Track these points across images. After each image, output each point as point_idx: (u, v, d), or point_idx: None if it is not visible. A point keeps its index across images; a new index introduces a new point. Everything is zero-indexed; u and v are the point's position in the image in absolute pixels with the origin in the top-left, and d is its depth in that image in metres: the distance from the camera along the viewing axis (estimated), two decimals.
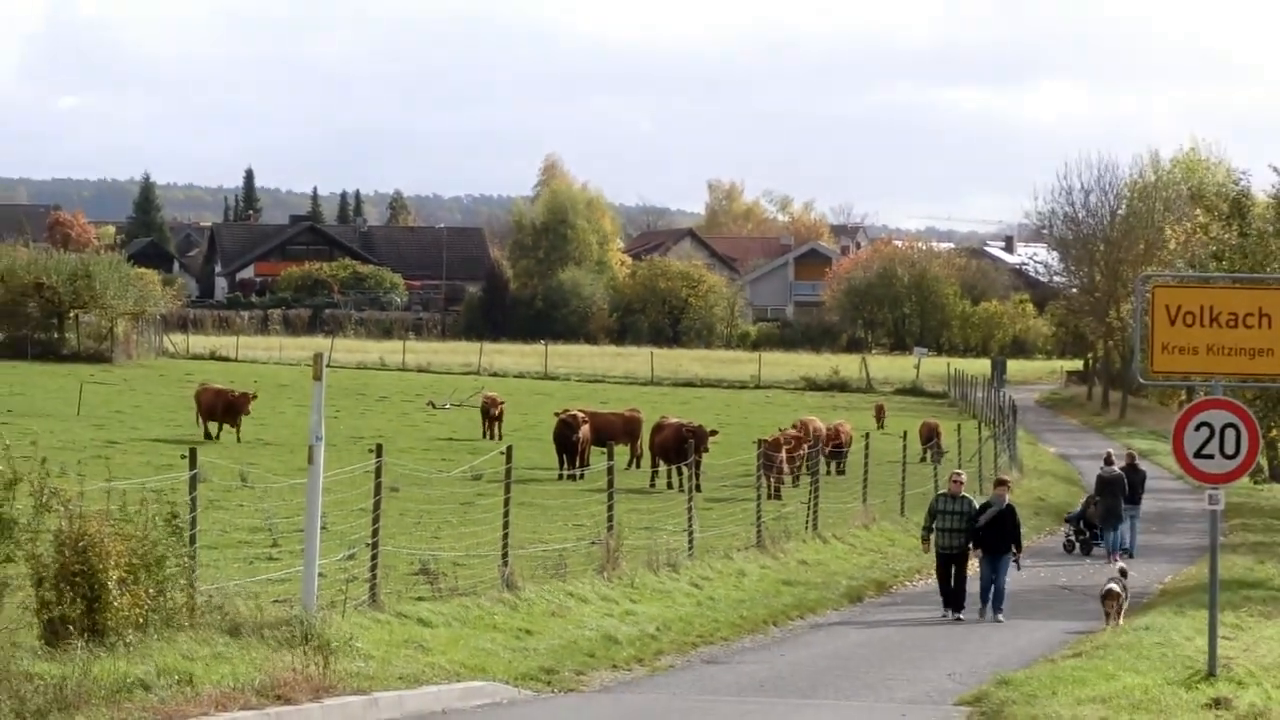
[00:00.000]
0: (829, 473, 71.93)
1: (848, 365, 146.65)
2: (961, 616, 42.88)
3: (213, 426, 76.45)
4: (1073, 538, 63.49)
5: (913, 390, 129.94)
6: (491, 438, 77.56)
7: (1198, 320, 32.23)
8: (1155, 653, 31.90)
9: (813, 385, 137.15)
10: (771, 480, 62.65)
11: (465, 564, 39.38)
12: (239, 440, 71.76)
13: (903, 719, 29.41)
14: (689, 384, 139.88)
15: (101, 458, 28.43)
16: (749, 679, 34.04)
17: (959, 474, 50.82)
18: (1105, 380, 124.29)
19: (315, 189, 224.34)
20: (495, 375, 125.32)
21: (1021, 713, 26.91)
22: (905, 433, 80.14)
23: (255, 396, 79.23)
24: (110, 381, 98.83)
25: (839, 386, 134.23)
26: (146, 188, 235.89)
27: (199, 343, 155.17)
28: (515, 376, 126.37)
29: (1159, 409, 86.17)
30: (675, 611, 40.96)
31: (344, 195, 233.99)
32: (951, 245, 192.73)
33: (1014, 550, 43.79)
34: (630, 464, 73.77)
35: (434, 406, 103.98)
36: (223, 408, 75.58)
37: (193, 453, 30.24)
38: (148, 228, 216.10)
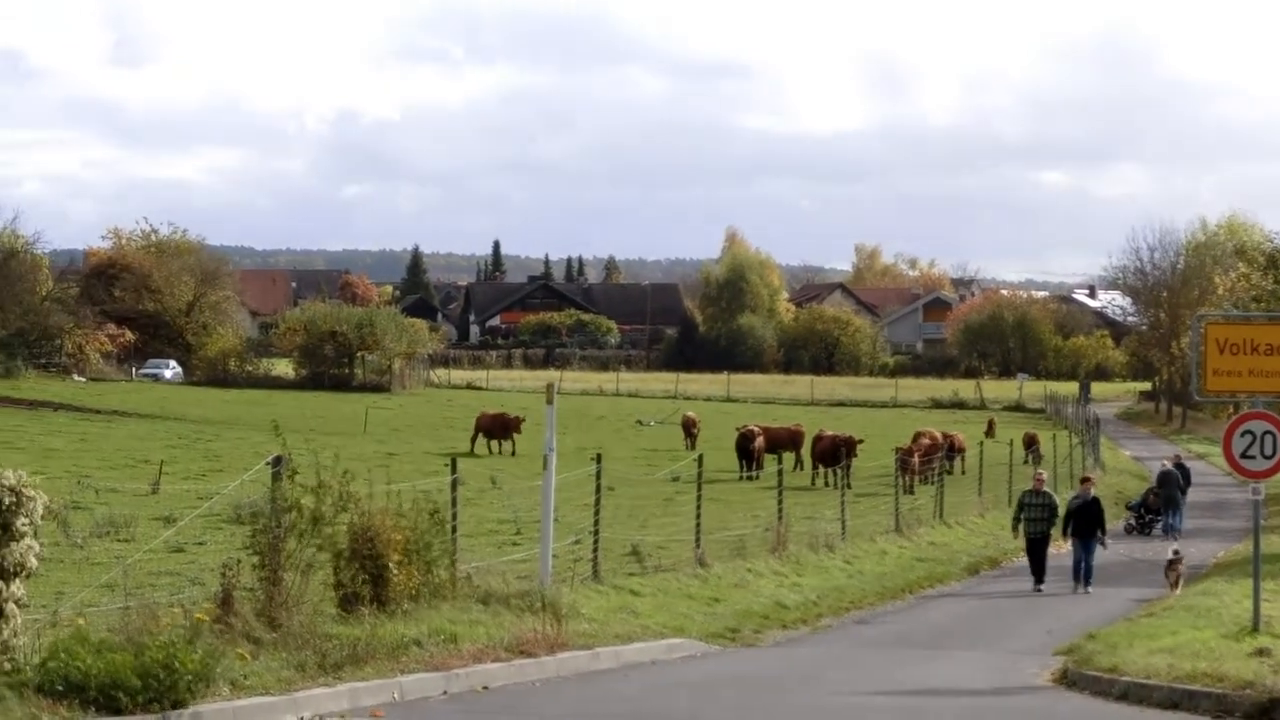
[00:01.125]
0: (950, 472, 71.66)
1: (965, 388, 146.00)
2: (1042, 588, 43.10)
3: (487, 444, 76.40)
4: (1132, 521, 63.45)
5: (1017, 407, 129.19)
6: (690, 449, 75.26)
7: (1241, 350, 32.53)
8: (1210, 613, 31.99)
9: (937, 404, 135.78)
10: (906, 479, 63.07)
11: (666, 547, 39.81)
12: (514, 454, 72.46)
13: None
14: (840, 404, 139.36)
15: (383, 466, 28.79)
16: (890, 635, 34.50)
17: (1040, 474, 51.10)
18: (1169, 398, 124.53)
19: (547, 255, 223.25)
20: (688, 399, 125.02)
21: (1105, 660, 27.01)
22: (1011, 440, 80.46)
23: (523, 419, 78.36)
24: (388, 407, 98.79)
25: (958, 405, 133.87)
26: (416, 256, 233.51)
27: (458, 376, 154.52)
28: (704, 400, 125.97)
29: (1212, 420, 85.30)
30: (831, 582, 41.39)
31: (569, 260, 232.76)
32: (1045, 293, 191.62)
33: (1100, 534, 44.00)
34: (795, 467, 73.32)
35: (641, 424, 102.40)
36: (500, 428, 76.47)
37: (454, 461, 30.88)
38: (416, 287, 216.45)
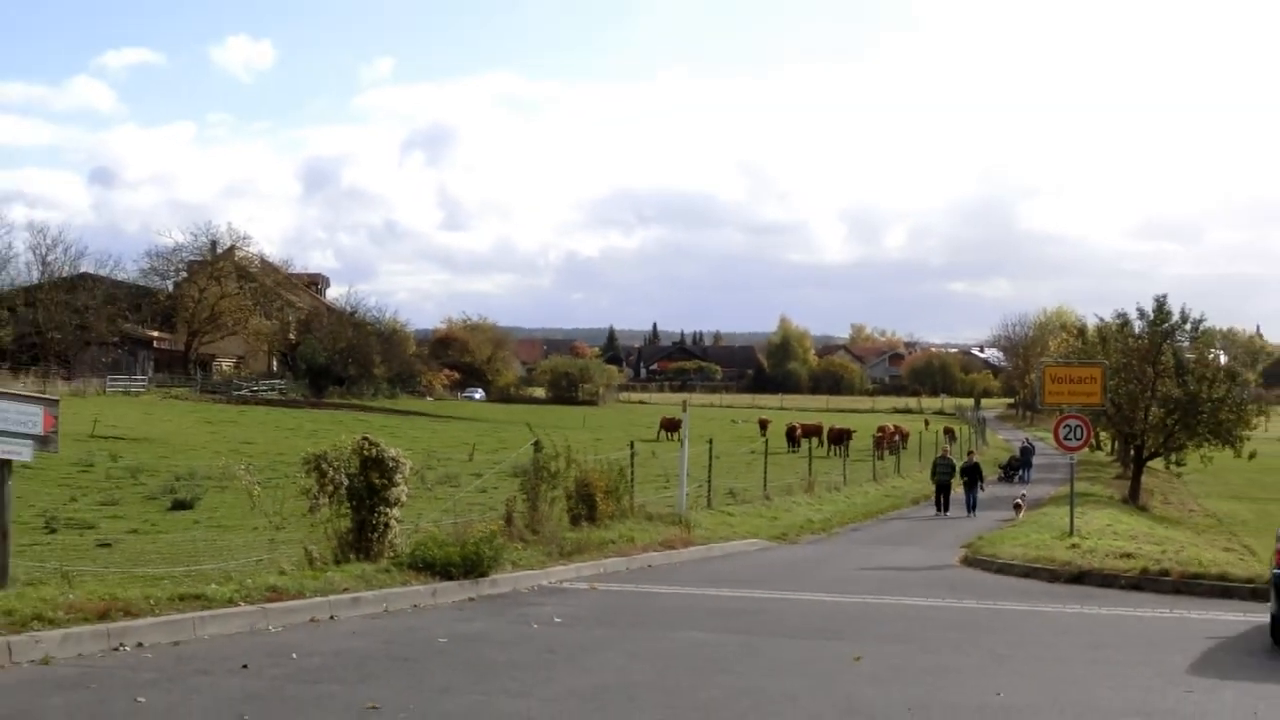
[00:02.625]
0: (904, 448, 68.56)
1: (911, 403, 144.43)
2: (946, 515, 42.28)
3: (666, 435, 72.72)
4: (1002, 475, 62.57)
5: (940, 413, 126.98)
6: (762, 435, 67.90)
7: (1063, 380, 33.00)
8: (1046, 525, 31.85)
9: (896, 411, 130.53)
10: (878, 451, 63.19)
11: (747, 489, 39.49)
12: (680, 441, 68.85)
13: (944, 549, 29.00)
14: (843, 411, 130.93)
15: (594, 445, 28.84)
16: (869, 537, 34.44)
17: (946, 447, 50.71)
18: (1023, 407, 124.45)
19: (682, 331, 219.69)
20: (759, 408, 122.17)
21: (987, 550, 27.05)
22: (937, 431, 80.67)
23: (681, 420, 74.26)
24: (597, 414, 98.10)
25: (908, 411, 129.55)
26: (611, 333, 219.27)
27: (634, 397, 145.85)
28: (768, 409, 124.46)
29: (1047, 419, 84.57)
30: (837, 509, 41.32)
31: (695, 334, 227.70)
32: (956, 350, 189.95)
33: (980, 483, 43.81)
34: (819, 445, 70.88)
35: (734, 422, 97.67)
36: (672, 425, 69.15)
37: (632, 443, 31.06)
38: (612, 348, 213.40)
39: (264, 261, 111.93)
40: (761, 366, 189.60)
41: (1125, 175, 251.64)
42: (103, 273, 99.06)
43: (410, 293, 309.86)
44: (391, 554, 17.35)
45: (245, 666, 11.14)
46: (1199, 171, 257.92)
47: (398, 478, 17.78)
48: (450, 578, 17.07)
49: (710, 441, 36.16)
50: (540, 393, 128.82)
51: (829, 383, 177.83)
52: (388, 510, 17.66)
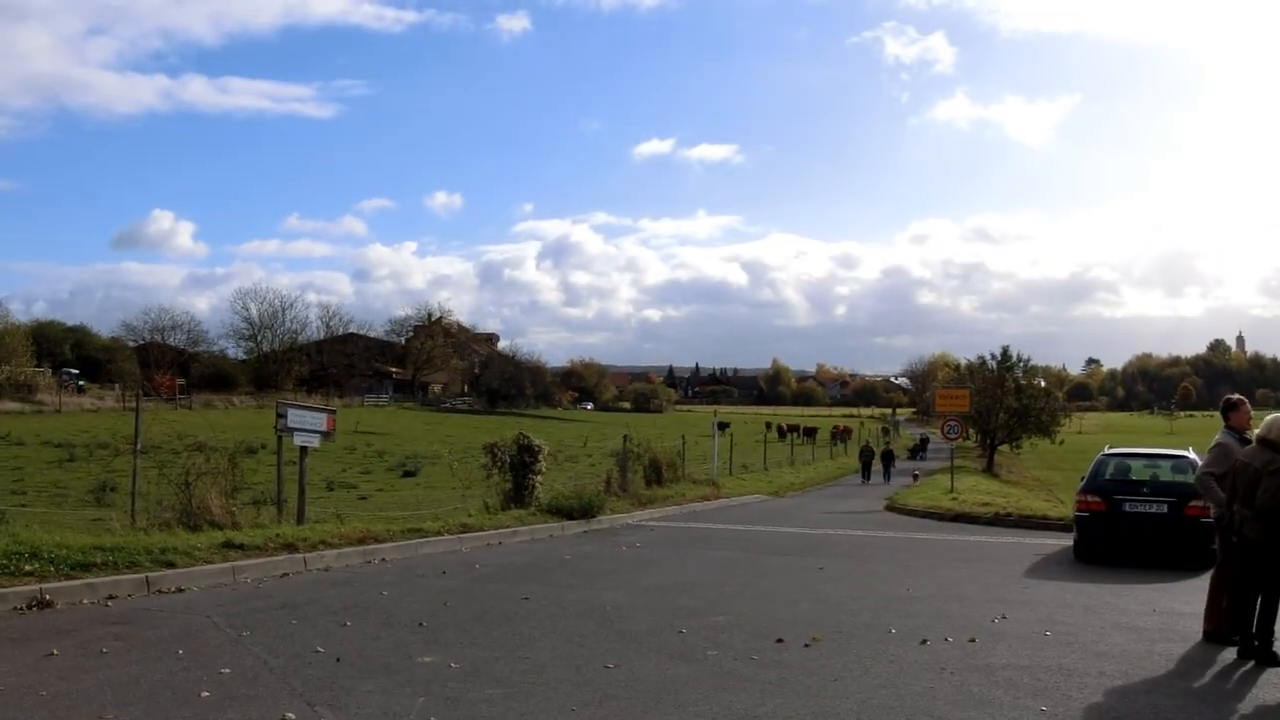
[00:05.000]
0: (848, 439, 67.76)
1: (866, 412, 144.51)
2: (868, 482, 40.33)
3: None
4: (909, 456, 59.83)
5: (874, 418, 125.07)
6: (769, 429, 70.43)
7: (947, 398, 32.42)
8: (936, 486, 31.37)
9: (847, 417, 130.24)
10: (835, 441, 61.96)
11: (755, 464, 39.22)
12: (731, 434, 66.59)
13: (876, 503, 28.47)
14: (813, 416, 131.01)
15: (659, 439, 28.72)
16: (830, 493, 33.83)
17: (867, 439, 50.22)
18: (922, 414, 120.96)
19: (714, 367, 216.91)
20: (764, 415, 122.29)
21: (900, 501, 26.46)
22: (871, 429, 79.02)
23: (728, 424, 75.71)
24: (661, 419, 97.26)
25: (853, 417, 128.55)
26: (670, 369, 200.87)
27: (684, 408, 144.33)
28: (766, 414, 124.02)
29: (939, 420, 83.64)
30: (809, 476, 40.80)
31: (723, 368, 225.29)
32: (880, 379, 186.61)
33: (893, 462, 43.09)
34: (801, 437, 70.18)
35: (768, 426, 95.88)
36: (721, 426, 66.59)
37: (683, 436, 30.84)
38: (670, 377, 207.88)
39: (459, 325, 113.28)
40: (762, 389, 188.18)
41: (976, 269, 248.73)
42: (362, 333, 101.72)
43: (547, 344, 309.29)
44: (536, 504, 17.37)
45: (444, 573, 11.25)
46: (1021, 266, 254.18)
47: (540, 457, 17.88)
48: (572, 518, 17.08)
49: (731, 435, 36.05)
50: (627, 405, 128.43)
51: (804, 399, 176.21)
52: (534, 477, 17.73)
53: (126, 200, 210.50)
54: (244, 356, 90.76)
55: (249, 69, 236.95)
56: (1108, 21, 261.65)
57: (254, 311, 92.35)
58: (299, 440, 13.63)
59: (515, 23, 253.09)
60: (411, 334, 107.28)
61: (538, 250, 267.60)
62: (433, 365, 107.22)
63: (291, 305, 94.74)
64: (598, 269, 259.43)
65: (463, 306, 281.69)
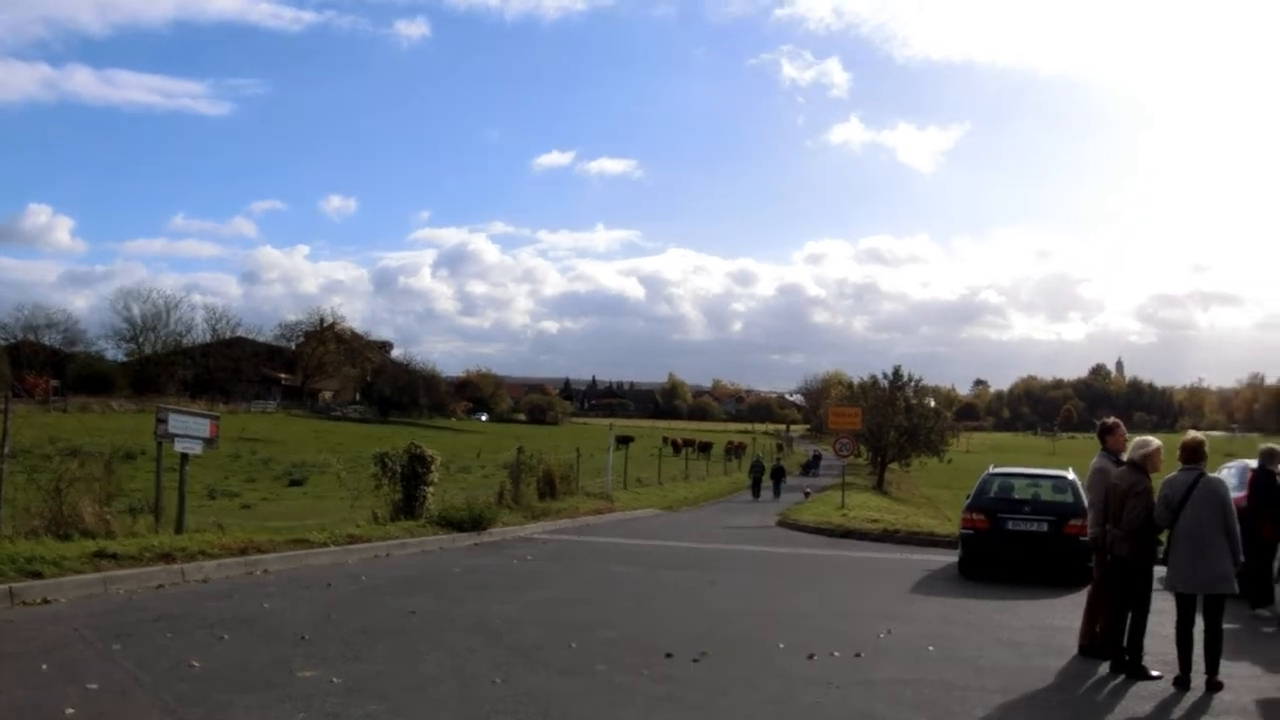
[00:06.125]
0: (742, 454, 68.22)
1: (760, 427, 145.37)
2: (760, 498, 39.65)
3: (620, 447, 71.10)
4: (802, 472, 59.96)
5: (768, 433, 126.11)
6: (664, 444, 70.54)
7: (840, 415, 32.96)
8: (828, 502, 31.77)
9: (741, 432, 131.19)
10: (729, 455, 62.23)
11: (650, 477, 39.20)
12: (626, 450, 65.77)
13: (768, 518, 28.68)
14: (709, 430, 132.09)
15: (554, 452, 28.42)
16: (723, 508, 33.81)
17: (759, 455, 50.51)
18: (815, 430, 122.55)
19: (610, 380, 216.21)
20: (660, 429, 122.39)
21: (792, 516, 26.62)
22: (764, 444, 79.72)
23: (632, 438, 73.19)
24: (557, 431, 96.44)
25: (747, 432, 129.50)
26: (567, 382, 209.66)
27: (580, 420, 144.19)
28: (662, 428, 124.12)
29: (829, 438, 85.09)
30: (702, 490, 40.82)
31: (620, 382, 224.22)
32: (775, 395, 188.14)
33: (784, 478, 43.13)
34: (696, 452, 70.21)
35: (632, 438, 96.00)
36: (625, 439, 67.28)
37: (577, 449, 30.73)
38: (566, 390, 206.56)
39: (352, 332, 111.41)
40: (659, 403, 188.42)
41: (869, 290, 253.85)
42: (251, 337, 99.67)
43: (442, 354, 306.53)
44: (427, 515, 17.15)
45: (329, 585, 11.05)
46: (912, 288, 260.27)
47: (432, 468, 17.68)
48: (463, 530, 16.90)
49: (626, 449, 36.07)
50: (522, 416, 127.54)
51: (700, 414, 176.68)
52: (425, 488, 17.52)
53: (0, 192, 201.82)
54: (124, 358, 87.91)
55: (138, 62, 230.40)
56: (997, 51, 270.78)
57: (136, 312, 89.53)
58: (180, 446, 13.27)
59: (414, 28, 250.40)
60: (302, 339, 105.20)
61: (434, 258, 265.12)
62: (324, 372, 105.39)
63: (176, 306, 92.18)
64: (495, 279, 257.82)
65: (356, 313, 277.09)
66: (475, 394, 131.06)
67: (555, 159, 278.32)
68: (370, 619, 9.04)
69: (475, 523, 17.28)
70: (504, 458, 31.46)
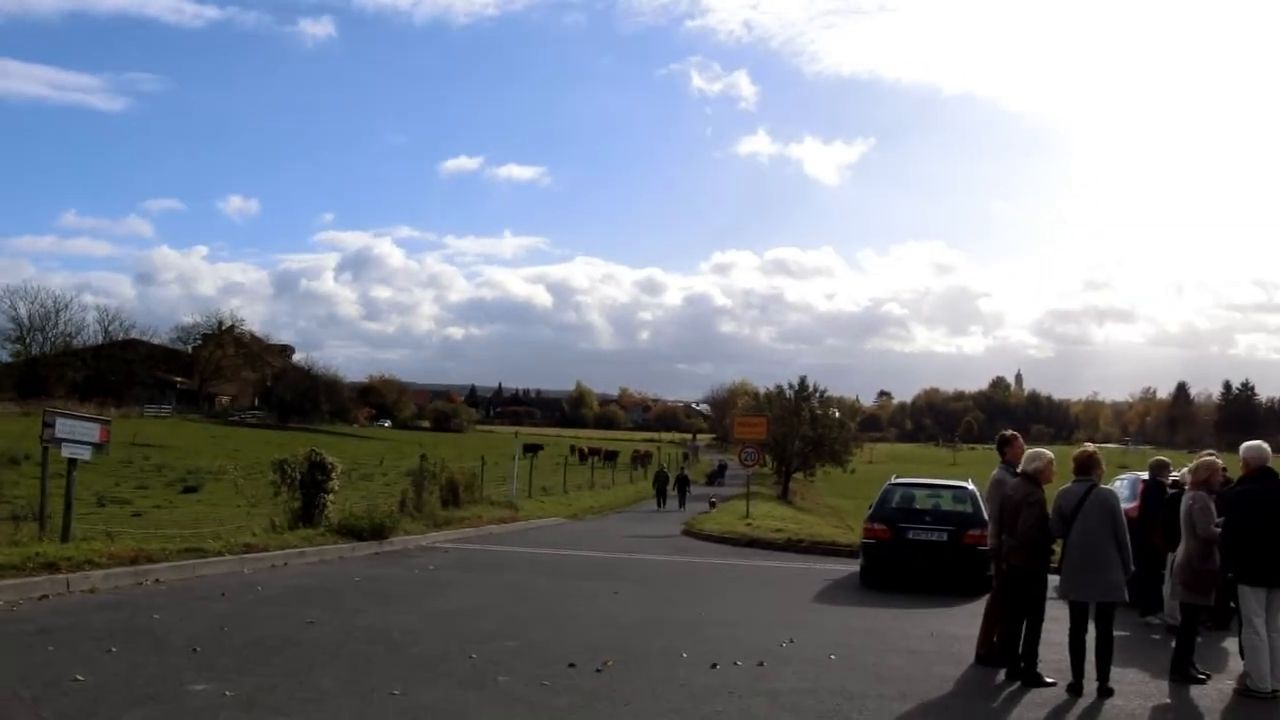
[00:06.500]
0: (647, 464, 68.43)
1: (667, 436, 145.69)
2: (665, 508, 39.08)
3: (529, 456, 69.68)
4: (707, 482, 59.15)
5: (673, 442, 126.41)
6: (571, 453, 69.86)
7: (745, 425, 33.25)
8: (732, 512, 31.94)
9: (646, 441, 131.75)
10: (634, 464, 62.03)
11: (555, 486, 39.23)
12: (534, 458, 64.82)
13: (674, 526, 28.75)
14: (612, 439, 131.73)
15: (458, 459, 28.15)
16: (628, 518, 33.78)
17: (664, 464, 50.47)
18: (723, 439, 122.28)
19: (517, 387, 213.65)
20: (568, 438, 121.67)
21: (698, 526, 26.73)
22: (670, 454, 79.95)
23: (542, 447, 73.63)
24: (462, 438, 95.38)
25: (653, 441, 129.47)
26: (472, 389, 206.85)
27: (485, 428, 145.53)
28: (569, 437, 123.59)
29: (735, 448, 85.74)
30: (607, 499, 40.86)
31: (527, 389, 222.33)
32: (682, 404, 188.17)
33: (689, 488, 43.06)
34: (601, 460, 70.05)
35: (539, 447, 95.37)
36: (534, 448, 67.69)
37: (483, 457, 30.54)
38: (472, 397, 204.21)
39: (252, 335, 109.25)
40: (565, 411, 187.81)
41: (774, 301, 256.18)
42: (145, 339, 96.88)
43: (345, 359, 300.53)
44: (327, 523, 16.85)
45: (223, 595, 10.81)
46: (818, 300, 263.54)
47: (332, 475, 17.39)
48: (364, 539, 16.65)
49: (532, 457, 35.89)
50: (427, 424, 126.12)
51: (606, 423, 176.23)
52: (325, 496, 17.22)
53: None
54: (9, 359, 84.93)
55: (28, 53, 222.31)
56: (903, 69, 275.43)
57: (23, 311, 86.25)
58: (67, 452, 12.86)
59: (320, 28, 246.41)
60: (200, 342, 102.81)
61: (337, 261, 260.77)
62: (222, 376, 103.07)
63: (66, 306, 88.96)
64: (400, 284, 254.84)
65: (256, 316, 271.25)
66: (378, 400, 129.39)
67: (463, 164, 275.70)
68: (266, 630, 8.86)
69: (376, 531, 17.05)
70: (407, 465, 31.12)
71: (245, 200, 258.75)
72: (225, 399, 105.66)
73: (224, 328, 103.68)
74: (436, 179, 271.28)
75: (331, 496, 17.46)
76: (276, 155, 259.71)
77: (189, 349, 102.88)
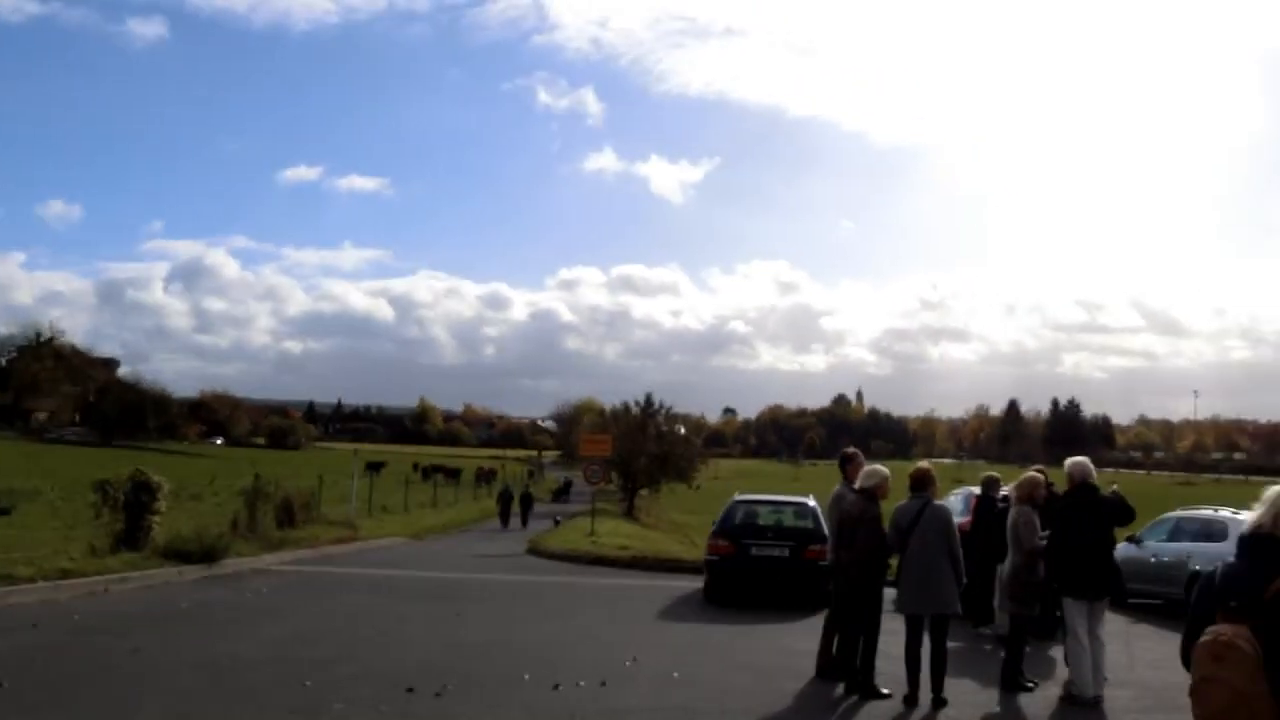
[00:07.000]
0: (494, 479, 67.68)
1: (513, 453, 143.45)
2: (509, 528, 38.06)
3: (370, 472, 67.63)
4: (554, 499, 59.25)
5: (520, 460, 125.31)
6: (437, 469, 69.17)
7: (590, 442, 33.16)
8: (577, 529, 31.81)
9: (492, 457, 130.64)
10: (479, 480, 61.40)
11: (396, 504, 38.52)
12: (378, 472, 61.02)
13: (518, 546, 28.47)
14: (499, 458, 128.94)
15: (295, 478, 27.29)
16: (470, 536, 33.44)
17: (508, 482, 50.07)
18: (570, 456, 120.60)
19: (357, 403, 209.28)
20: (418, 455, 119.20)
21: (542, 544, 26.43)
22: (517, 470, 79.42)
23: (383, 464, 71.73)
24: (299, 456, 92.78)
25: (499, 457, 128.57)
26: (311, 405, 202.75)
27: (324, 445, 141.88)
28: (427, 454, 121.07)
29: (584, 464, 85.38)
30: (451, 517, 40.32)
31: (368, 405, 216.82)
32: (528, 420, 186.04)
33: (532, 506, 42.57)
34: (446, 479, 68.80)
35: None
36: (376, 467, 66.27)
37: (321, 476, 29.76)
38: (310, 413, 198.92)
39: (73, 348, 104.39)
40: (408, 428, 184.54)
41: (621, 317, 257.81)
42: None
43: (175, 373, 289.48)
44: (152, 546, 16.14)
45: (35, 625, 10.21)
46: (663, 317, 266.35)
47: (159, 495, 16.69)
48: (193, 562, 16.01)
49: (371, 476, 35.14)
50: (262, 441, 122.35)
51: (451, 439, 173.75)
52: (151, 517, 16.50)
53: None
54: None
55: None
56: (749, 91, 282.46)
57: None
58: None
59: (150, 28, 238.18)
60: (14, 355, 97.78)
61: (167, 271, 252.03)
62: (39, 391, 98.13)
63: None
64: (235, 296, 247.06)
65: (77, 327, 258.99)
66: (211, 416, 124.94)
67: (302, 173, 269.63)
68: (83, 662, 8.43)
69: (206, 554, 16.41)
70: (240, 484, 30.04)
71: (67, 205, 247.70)
72: (42, 415, 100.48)
73: (42, 339, 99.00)
74: (274, 188, 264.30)
75: (158, 518, 16.74)
76: (102, 159, 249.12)
77: (2, 362, 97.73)
